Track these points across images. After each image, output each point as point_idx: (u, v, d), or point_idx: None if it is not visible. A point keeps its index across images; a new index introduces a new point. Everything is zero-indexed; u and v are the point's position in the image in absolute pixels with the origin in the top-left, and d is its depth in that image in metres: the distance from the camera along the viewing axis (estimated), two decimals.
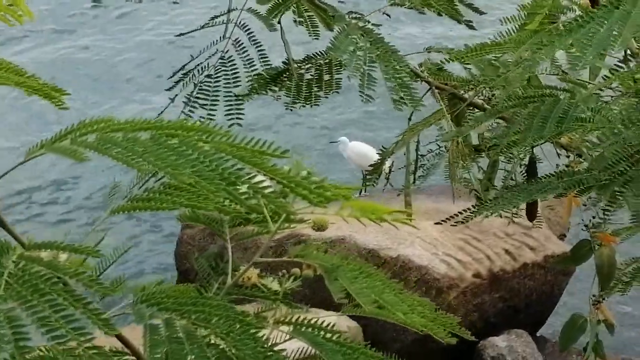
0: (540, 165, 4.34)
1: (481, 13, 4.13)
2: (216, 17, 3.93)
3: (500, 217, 4.72)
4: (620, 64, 3.23)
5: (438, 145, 4.36)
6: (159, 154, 2.02)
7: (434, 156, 4.35)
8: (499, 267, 9.35)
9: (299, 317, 2.25)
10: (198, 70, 3.91)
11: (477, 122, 3.47)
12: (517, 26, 3.50)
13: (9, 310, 1.91)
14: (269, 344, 2.06)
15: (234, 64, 3.92)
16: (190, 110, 3.82)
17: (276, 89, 4.06)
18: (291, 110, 4.06)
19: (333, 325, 2.13)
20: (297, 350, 2.45)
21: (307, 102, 4.11)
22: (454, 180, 3.94)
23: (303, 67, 4.13)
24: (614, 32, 2.57)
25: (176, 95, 3.86)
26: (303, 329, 2.25)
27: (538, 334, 9.88)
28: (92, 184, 11.29)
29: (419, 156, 4.31)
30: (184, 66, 3.93)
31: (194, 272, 9.72)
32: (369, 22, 3.85)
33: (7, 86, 2.31)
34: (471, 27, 4.08)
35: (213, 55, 3.89)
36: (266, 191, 2.00)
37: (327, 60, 4.11)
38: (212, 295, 2.34)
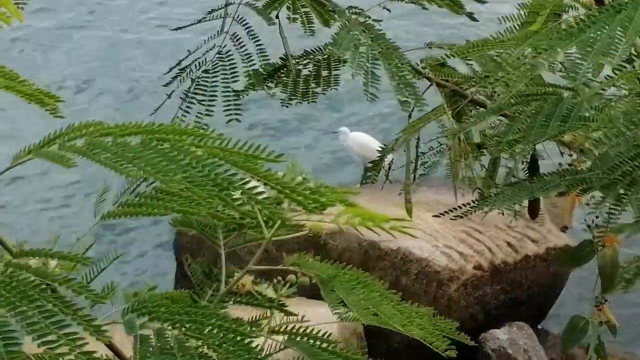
0: (542, 162, 4.29)
1: (482, 2, 4.06)
2: (213, 11, 3.86)
3: (503, 214, 4.65)
4: (624, 64, 3.16)
5: (439, 142, 4.30)
6: (150, 160, 1.96)
7: (434, 154, 4.29)
8: (500, 259, 9.30)
9: (294, 326, 2.19)
10: (195, 66, 3.84)
11: (479, 119, 3.41)
12: (518, 25, 3.45)
13: None
14: (263, 354, 2.01)
15: (232, 59, 3.85)
16: (187, 107, 3.76)
17: (272, 85, 3.99)
18: (287, 106, 3.99)
19: (329, 335, 2.07)
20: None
21: (304, 99, 4.04)
22: (456, 179, 3.88)
23: (301, 62, 4.06)
24: (616, 38, 2.50)
25: (173, 91, 3.80)
26: (298, 339, 2.19)
27: (539, 327, 9.84)
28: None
29: (420, 153, 4.25)
30: (180, 61, 3.87)
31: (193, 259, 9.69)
32: (369, 17, 3.79)
33: None
34: (473, 19, 4.01)
35: (210, 50, 3.82)
36: (260, 197, 1.94)
37: (325, 56, 4.04)
38: (206, 303, 2.29)
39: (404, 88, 3.56)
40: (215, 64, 3.83)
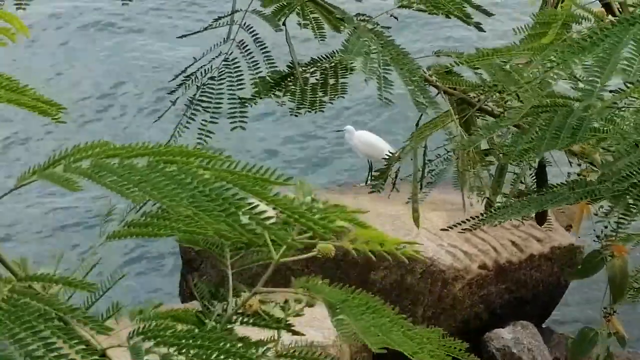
0: (550, 169, 4.26)
1: (489, 15, 4.03)
2: (219, 18, 3.82)
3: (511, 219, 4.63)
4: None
5: (446, 150, 4.27)
6: (156, 183, 1.93)
7: (442, 161, 4.27)
8: (505, 259, 9.29)
9: (302, 350, 2.17)
10: (201, 73, 3.81)
11: (489, 131, 3.38)
12: (527, 35, 3.41)
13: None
14: None
15: (238, 67, 3.82)
16: (192, 114, 3.73)
17: (280, 93, 3.96)
18: (296, 116, 3.96)
19: None
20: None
21: (312, 108, 4.01)
22: (464, 187, 3.86)
23: (308, 70, 4.02)
24: (631, 53, 2.47)
25: (177, 98, 3.77)
26: None
27: (544, 326, 9.83)
28: None
29: (427, 161, 4.22)
30: (186, 68, 3.84)
31: (198, 260, 9.65)
32: (377, 24, 3.75)
33: None
34: (480, 30, 3.98)
35: (217, 57, 3.79)
36: (268, 222, 1.91)
37: (332, 64, 4.01)
38: (212, 323, 2.26)
39: (418, 92, 3.54)
40: (222, 71, 3.80)
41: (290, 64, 4.01)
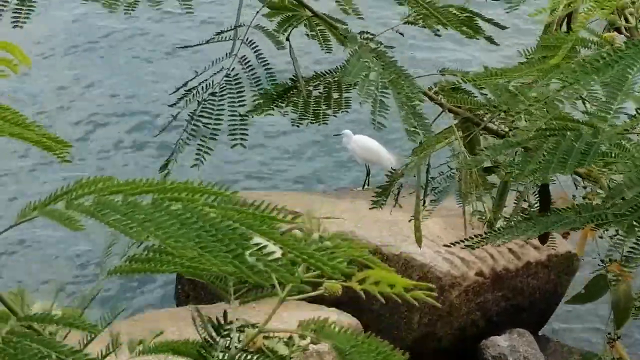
0: (552, 186, 4.21)
1: (503, 28, 3.97)
2: (222, 32, 3.77)
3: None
4: None
5: (449, 167, 4.22)
6: (160, 223, 1.88)
7: (445, 179, 4.22)
8: (502, 266, 9.24)
9: None
10: (202, 88, 3.76)
11: (495, 152, 3.32)
12: (534, 56, 3.36)
13: None
14: None
15: (240, 82, 3.76)
16: (192, 130, 3.67)
17: (282, 105, 3.91)
18: (298, 126, 3.91)
19: None
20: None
21: (316, 120, 3.96)
22: (466, 210, 3.81)
23: (311, 84, 3.97)
24: None
25: (178, 112, 3.71)
26: None
27: (540, 333, 9.80)
28: None
29: (430, 179, 4.16)
30: (186, 82, 3.78)
31: None
32: (381, 43, 3.70)
33: None
34: (492, 42, 3.93)
35: (218, 72, 3.73)
36: (276, 264, 1.86)
37: (336, 79, 3.96)
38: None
39: (412, 118, 3.48)
40: (223, 87, 3.74)
41: (293, 77, 3.96)
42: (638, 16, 3.33)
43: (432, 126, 3.76)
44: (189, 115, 3.68)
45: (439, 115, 3.83)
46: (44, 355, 1.79)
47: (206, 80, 3.75)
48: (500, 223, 4.28)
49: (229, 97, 3.75)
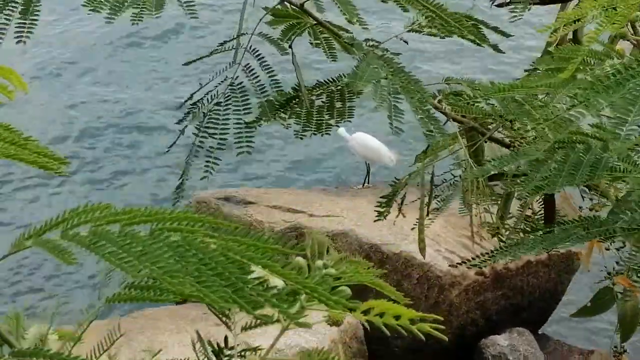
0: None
1: (507, 36, 3.95)
2: (226, 42, 3.73)
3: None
4: None
5: (452, 175, 4.19)
6: (157, 256, 1.82)
7: (448, 186, 4.19)
8: (502, 265, 9.21)
9: None
10: (207, 99, 3.72)
11: (501, 165, 3.29)
12: (542, 70, 3.33)
13: None
14: None
15: (244, 91, 3.73)
16: (200, 141, 3.63)
17: (285, 115, 3.87)
18: (302, 138, 3.87)
19: None
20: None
21: (319, 131, 3.92)
22: (475, 221, 3.78)
23: (314, 93, 3.93)
24: None
25: (185, 126, 3.68)
26: None
27: (540, 332, 9.77)
28: None
29: (434, 186, 4.13)
30: (192, 95, 3.74)
31: None
32: (387, 50, 3.66)
33: None
34: (498, 51, 3.90)
35: (222, 82, 3.70)
36: (277, 301, 1.83)
37: (339, 87, 3.92)
38: None
39: (428, 121, 3.46)
40: (228, 97, 3.70)
41: (296, 86, 3.92)
42: None
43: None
44: (196, 127, 3.65)
45: (444, 124, 3.80)
46: None
47: (210, 91, 3.72)
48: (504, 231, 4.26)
49: (234, 106, 3.71)
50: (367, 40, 3.71)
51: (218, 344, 2.23)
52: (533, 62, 4.26)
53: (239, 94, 3.70)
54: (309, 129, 3.92)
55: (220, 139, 3.65)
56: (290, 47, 3.77)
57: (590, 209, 3.70)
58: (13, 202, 11.16)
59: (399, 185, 4.04)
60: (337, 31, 3.76)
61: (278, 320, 2.07)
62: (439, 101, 3.82)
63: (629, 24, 3.13)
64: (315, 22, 3.78)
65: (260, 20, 3.68)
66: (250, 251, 1.87)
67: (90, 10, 3.00)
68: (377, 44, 3.71)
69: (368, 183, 10.24)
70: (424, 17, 3.57)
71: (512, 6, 4.03)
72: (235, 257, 1.86)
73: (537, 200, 4.33)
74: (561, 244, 3.26)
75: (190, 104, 3.72)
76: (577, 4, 4.14)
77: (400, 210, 4.23)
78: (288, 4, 3.73)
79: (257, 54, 3.77)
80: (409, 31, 3.81)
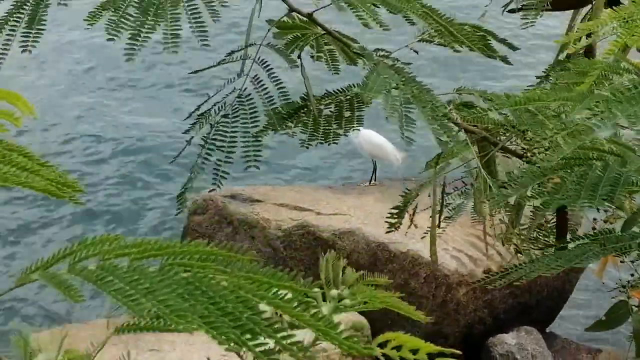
0: None
1: (514, 49, 3.90)
2: (233, 52, 3.67)
3: None
4: None
5: (464, 182, 4.14)
6: (165, 294, 1.77)
7: (459, 194, 4.14)
8: (510, 263, 9.15)
9: None
10: (214, 111, 3.66)
11: (522, 186, 3.21)
12: (557, 82, 3.28)
13: None
14: None
15: (252, 103, 3.67)
16: (207, 154, 3.58)
17: (292, 124, 3.81)
18: (307, 147, 3.82)
19: None
20: None
21: (326, 140, 3.86)
22: (490, 231, 3.73)
23: (323, 102, 3.88)
24: None
25: (192, 137, 3.62)
26: None
27: (548, 330, 9.73)
28: None
29: (445, 194, 4.08)
30: (199, 106, 3.69)
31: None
32: (397, 60, 3.61)
33: None
34: (507, 63, 3.85)
35: (230, 93, 3.64)
36: (288, 342, 1.78)
37: (348, 97, 3.86)
38: None
39: (442, 130, 3.41)
40: (235, 109, 3.64)
41: (304, 96, 3.87)
42: None
43: None
44: (202, 139, 3.60)
45: (455, 134, 3.74)
46: None
47: (218, 102, 3.66)
48: (516, 240, 4.21)
49: (242, 118, 3.65)
50: (377, 50, 3.65)
51: None
52: (545, 70, 4.21)
53: (247, 106, 3.65)
54: (315, 138, 3.87)
55: (228, 152, 3.59)
56: (299, 57, 3.71)
57: (605, 221, 3.64)
58: None
59: (409, 196, 3.98)
60: (346, 41, 3.70)
61: None
62: (450, 111, 3.76)
63: None
64: (323, 32, 3.72)
65: (268, 31, 3.62)
66: (262, 289, 1.82)
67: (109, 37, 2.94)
68: (387, 53, 3.65)
69: (375, 180, 10.19)
70: (434, 29, 3.52)
71: (524, 13, 3.98)
72: (247, 296, 1.80)
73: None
74: (577, 261, 3.20)
75: (198, 115, 3.67)
76: (589, 10, 4.09)
77: (412, 221, 4.17)
78: (295, 15, 3.67)
79: (265, 64, 3.71)
80: (419, 41, 3.75)
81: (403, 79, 3.50)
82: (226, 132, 3.62)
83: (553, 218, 4.27)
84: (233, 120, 3.63)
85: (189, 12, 3.14)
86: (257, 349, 1.71)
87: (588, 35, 3.02)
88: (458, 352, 1.97)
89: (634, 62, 3.10)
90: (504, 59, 3.77)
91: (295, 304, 1.82)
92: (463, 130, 3.72)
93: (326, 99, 3.91)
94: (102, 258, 1.88)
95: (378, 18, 3.39)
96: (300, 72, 3.74)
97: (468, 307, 9.02)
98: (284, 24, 3.66)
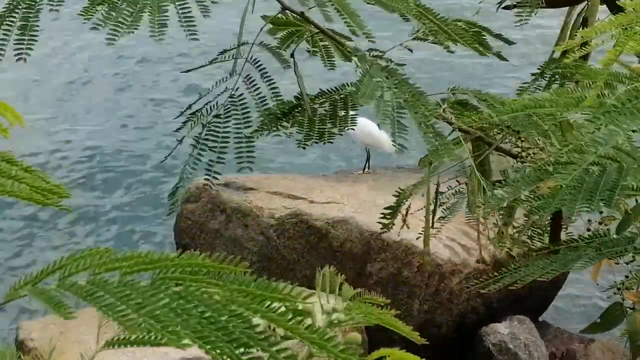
0: None
1: (510, 43, 3.86)
2: (225, 51, 3.63)
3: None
4: None
5: (458, 181, 4.11)
6: (157, 309, 1.75)
7: (453, 194, 4.11)
8: (503, 253, 9.14)
9: None
10: (206, 110, 3.62)
11: (517, 189, 3.18)
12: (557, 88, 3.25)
13: None
14: None
15: (245, 103, 3.63)
16: (198, 154, 3.54)
17: (287, 124, 3.78)
18: (304, 148, 3.78)
19: None
20: None
21: (321, 139, 3.83)
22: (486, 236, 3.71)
23: (317, 101, 3.84)
24: None
25: (183, 137, 3.59)
26: None
27: (540, 319, 9.73)
28: None
29: (440, 193, 4.06)
30: (190, 106, 3.65)
31: (193, 246, 9.50)
32: (391, 61, 3.57)
33: None
34: (502, 59, 3.82)
35: (222, 93, 3.60)
36: (283, 356, 1.75)
37: (342, 96, 3.82)
38: None
39: (432, 137, 3.37)
40: (228, 109, 3.61)
41: (298, 95, 3.83)
42: None
43: None
44: (194, 139, 3.56)
45: (450, 134, 3.72)
46: None
47: (210, 102, 3.62)
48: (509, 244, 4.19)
49: (234, 119, 3.62)
50: (370, 50, 3.61)
51: None
52: (540, 67, 4.17)
53: (239, 106, 3.61)
54: (311, 137, 3.83)
55: (220, 152, 3.56)
56: (292, 55, 3.68)
57: (600, 223, 3.62)
58: None
59: (403, 196, 3.96)
60: (339, 39, 3.66)
61: None
62: (444, 110, 3.73)
63: None
64: (316, 31, 3.68)
65: (261, 29, 3.57)
66: (255, 302, 1.80)
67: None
68: (380, 53, 3.61)
69: (368, 169, 10.15)
70: (427, 30, 3.48)
71: (518, 9, 3.94)
72: (240, 310, 1.78)
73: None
74: (573, 265, 3.19)
75: (189, 114, 3.63)
76: (584, 8, 4.05)
77: (405, 222, 4.15)
78: (289, 13, 3.63)
79: (257, 64, 3.67)
80: (413, 39, 3.71)
81: (396, 81, 3.46)
82: (218, 132, 3.58)
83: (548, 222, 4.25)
84: (225, 120, 3.59)
85: (179, 8, 3.10)
86: None
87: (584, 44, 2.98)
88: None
89: (634, 68, 3.07)
90: (499, 55, 3.73)
91: (290, 316, 1.80)
92: (457, 129, 3.69)
93: (320, 97, 3.87)
94: (92, 272, 1.86)
95: (365, 28, 3.35)
96: (294, 71, 3.70)
97: (461, 296, 9.00)
98: (278, 20, 3.62)
